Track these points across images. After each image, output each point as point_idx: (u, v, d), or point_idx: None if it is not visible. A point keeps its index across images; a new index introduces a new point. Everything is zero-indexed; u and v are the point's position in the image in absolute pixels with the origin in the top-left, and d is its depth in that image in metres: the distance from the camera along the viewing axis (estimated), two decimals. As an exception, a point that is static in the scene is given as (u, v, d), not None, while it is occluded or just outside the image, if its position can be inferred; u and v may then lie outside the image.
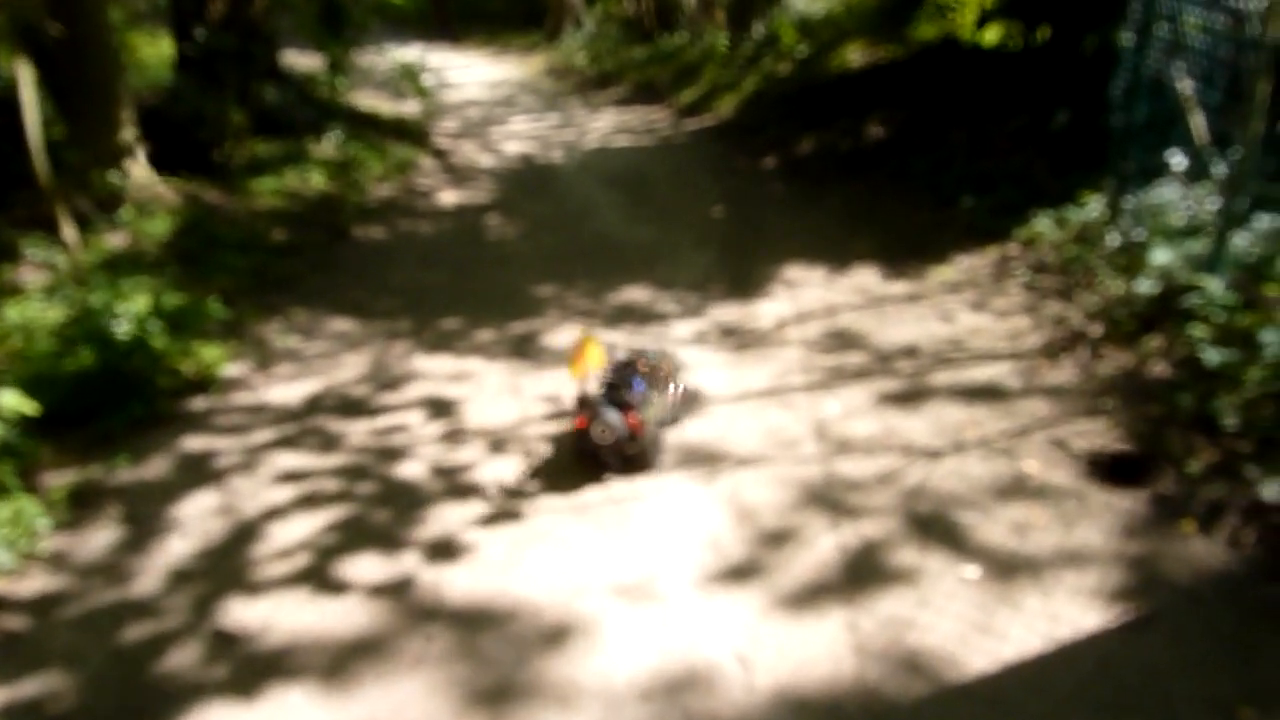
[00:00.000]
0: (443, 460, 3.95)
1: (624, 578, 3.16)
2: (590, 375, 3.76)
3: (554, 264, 6.53)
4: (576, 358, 3.71)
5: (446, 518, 3.53)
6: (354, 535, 3.45)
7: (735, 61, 12.42)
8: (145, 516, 3.60)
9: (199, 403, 4.49)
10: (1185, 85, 5.77)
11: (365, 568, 3.26)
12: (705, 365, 4.80)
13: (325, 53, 10.37)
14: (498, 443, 4.08)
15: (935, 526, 3.33)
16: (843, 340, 5.04)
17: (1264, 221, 4.66)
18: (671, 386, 4.00)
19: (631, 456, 3.70)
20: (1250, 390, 3.67)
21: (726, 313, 5.53)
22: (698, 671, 2.73)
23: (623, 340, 5.16)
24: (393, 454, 4.00)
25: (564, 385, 4.57)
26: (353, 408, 4.46)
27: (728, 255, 6.44)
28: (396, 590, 3.15)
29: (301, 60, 11.64)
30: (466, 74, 17.41)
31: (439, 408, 4.44)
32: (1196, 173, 5.78)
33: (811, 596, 3.03)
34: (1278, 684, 2.57)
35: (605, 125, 12.05)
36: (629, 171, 9.36)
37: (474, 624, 2.97)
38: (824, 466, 3.77)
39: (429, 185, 8.99)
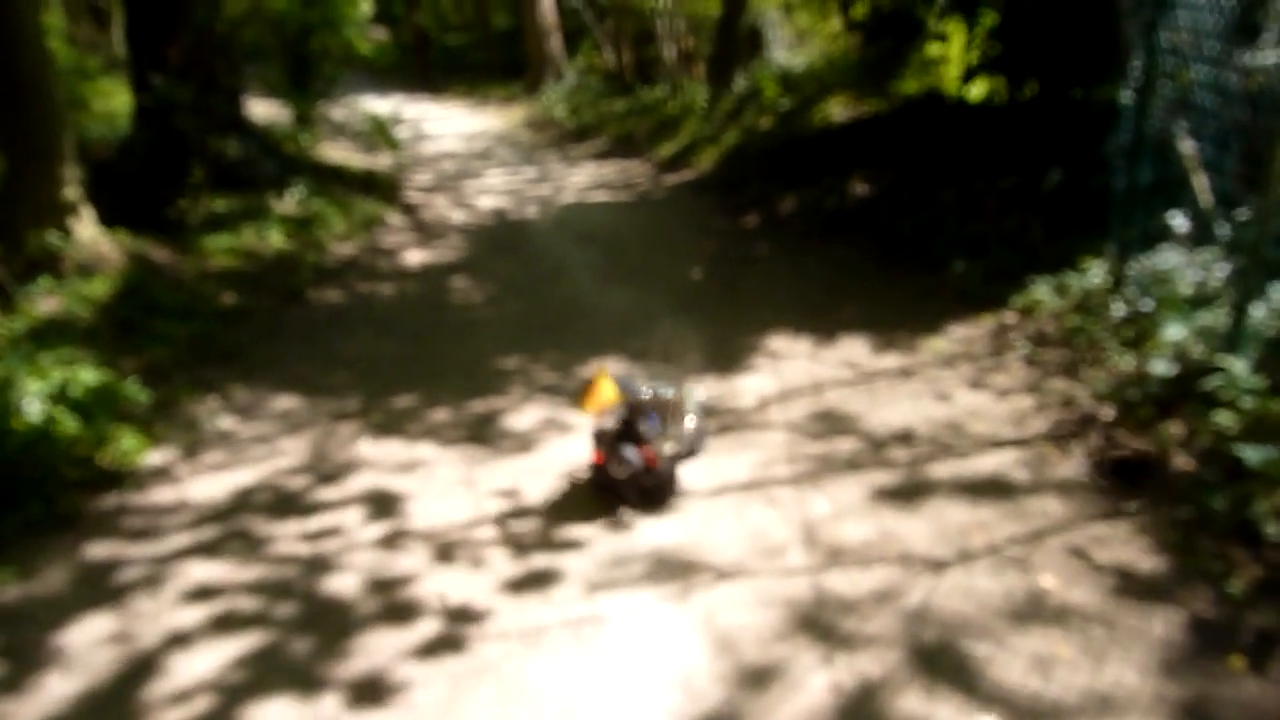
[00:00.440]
0: (379, 571, 3.46)
1: (580, 730, 2.68)
2: (605, 411, 3.83)
3: (521, 333, 6.10)
4: (591, 394, 3.78)
5: (377, 647, 3.04)
6: (267, 671, 2.95)
7: (716, 115, 12.16)
8: (25, 647, 3.08)
9: (110, 500, 3.99)
10: (1188, 145, 5.48)
11: (276, 716, 2.76)
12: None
13: (291, 106, 10.03)
14: (444, 549, 3.60)
15: (943, 661, 2.87)
16: (831, 423, 4.61)
17: (1284, 293, 4.29)
18: (686, 420, 3.97)
19: (649, 490, 3.79)
20: (1294, 495, 3.27)
21: (705, 389, 5.09)
22: None
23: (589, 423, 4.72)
24: (323, 564, 3.51)
25: (522, 479, 4.12)
26: (285, 505, 3.97)
27: (707, 323, 6.03)
28: (310, 746, 2.65)
29: (268, 110, 11.28)
30: (444, 125, 17.14)
31: (381, 504, 3.96)
32: (1200, 237, 5.47)
33: (802, 757, 2.55)
34: None
35: (583, 179, 11.73)
36: (605, 229, 8.99)
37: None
38: (814, 580, 3.31)
39: (395, 243, 8.58)
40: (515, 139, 15.57)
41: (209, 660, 2.99)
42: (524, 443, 4.52)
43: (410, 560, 3.52)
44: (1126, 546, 3.40)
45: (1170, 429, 4.08)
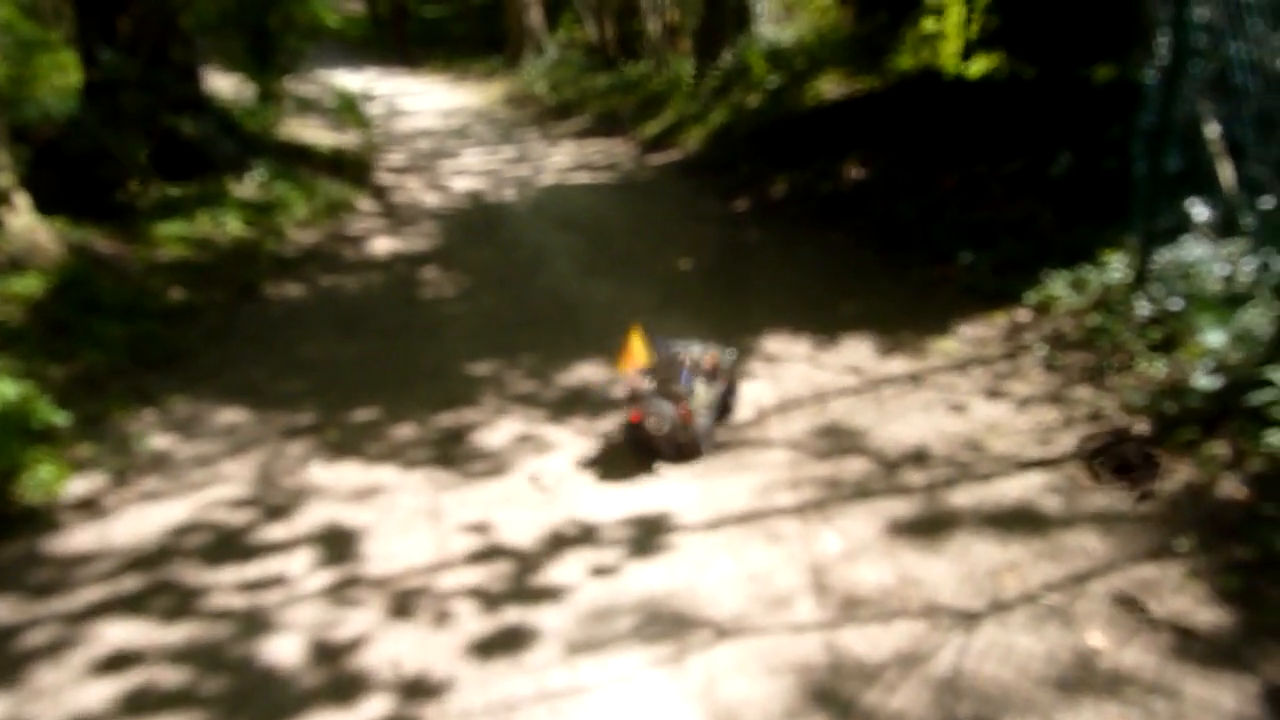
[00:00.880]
0: (326, 631, 3.00)
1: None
2: (638, 369, 3.95)
3: (496, 331, 5.62)
4: (625, 353, 3.92)
5: (319, 732, 2.59)
6: (187, 764, 2.49)
7: (702, 92, 11.63)
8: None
9: (17, 547, 3.49)
10: (1213, 129, 5.05)
11: (193, 826, 2.31)
12: (669, 474, 3.91)
13: (254, 82, 9.43)
14: (402, 600, 3.14)
15: (984, 747, 2.45)
16: (837, 439, 4.17)
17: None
18: (718, 377, 4.11)
19: (684, 445, 3.91)
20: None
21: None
22: None
23: (569, 438, 4.27)
24: (262, 622, 3.04)
25: (494, 509, 3.67)
26: (222, 547, 3.49)
27: (698, 321, 5.55)
28: None
29: (231, 86, 10.64)
30: (420, 101, 16.50)
31: (334, 543, 3.49)
32: (1225, 228, 5.07)
33: None
34: None
35: (564, 159, 11.19)
36: (587, 213, 8.48)
37: None
38: (827, 639, 2.88)
39: (363, 229, 8.05)
40: (494, 116, 14.98)
41: (118, 751, 2.53)
42: (496, 464, 4.06)
43: (362, 617, 3.05)
44: (1181, 595, 2.98)
45: (1214, 449, 3.67)
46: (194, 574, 3.30)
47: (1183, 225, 5.07)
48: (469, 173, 10.64)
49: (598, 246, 7.39)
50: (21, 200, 6.21)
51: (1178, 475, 3.61)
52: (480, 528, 3.56)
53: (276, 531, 3.56)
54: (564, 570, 3.28)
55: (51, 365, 4.70)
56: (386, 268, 6.99)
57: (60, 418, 3.92)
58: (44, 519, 3.63)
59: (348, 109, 10.74)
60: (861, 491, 3.72)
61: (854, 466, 3.92)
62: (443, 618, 3.04)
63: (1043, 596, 3.02)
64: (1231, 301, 4.55)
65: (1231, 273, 4.74)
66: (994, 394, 4.51)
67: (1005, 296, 5.50)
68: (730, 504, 3.68)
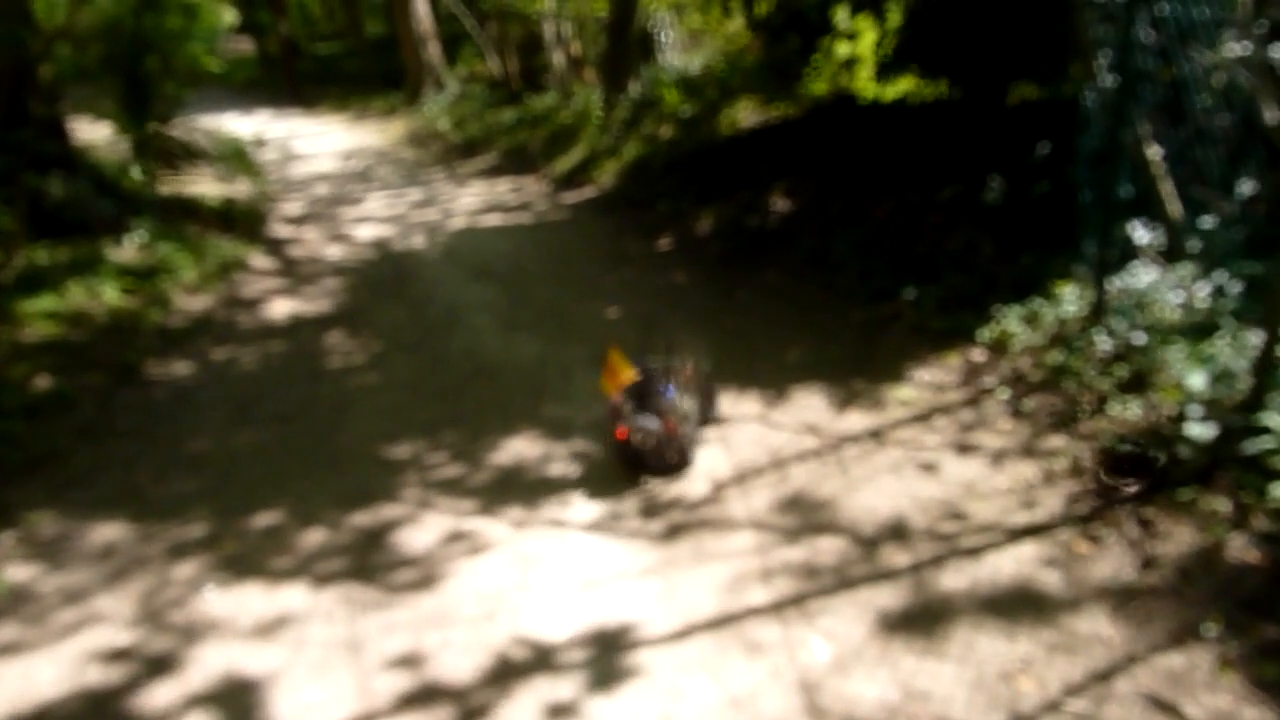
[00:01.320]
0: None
1: None
2: (622, 388, 3.97)
3: (412, 404, 5.07)
4: (610, 374, 3.99)
5: None
6: None
7: (613, 124, 11.26)
8: None
9: None
10: (1155, 151, 4.89)
11: None
12: (624, 570, 3.44)
13: (128, 135, 8.67)
14: (320, 774, 2.59)
15: None
16: (804, 513, 3.77)
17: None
18: (696, 386, 4.21)
19: (671, 457, 4.02)
20: None
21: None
22: None
23: (506, 533, 3.77)
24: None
25: (425, 634, 3.14)
26: None
27: (634, 379, 5.11)
28: None
29: (108, 138, 9.80)
30: (318, 143, 15.75)
31: (233, 701, 2.91)
32: (1170, 251, 4.91)
33: None
34: None
35: (473, 200, 10.66)
36: (503, 260, 7.98)
37: None
38: (834, 784, 2.45)
39: (258, 291, 7.38)
40: (396, 156, 14.34)
41: None
42: (425, 574, 3.53)
43: (271, 801, 2.50)
44: (1216, 690, 2.65)
45: (1214, 504, 3.38)
46: (56, 760, 2.68)
47: (1129, 252, 4.89)
48: (373, 219, 10.02)
49: (517, 298, 6.89)
50: None
51: (1179, 537, 3.30)
52: (410, 660, 3.03)
53: (163, 692, 2.95)
54: (515, 712, 2.77)
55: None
56: (287, 334, 6.36)
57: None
58: None
59: (236, 157, 9.99)
60: (842, 580, 3.31)
61: (829, 547, 3.52)
62: (371, 795, 2.50)
63: (1066, 703, 2.65)
64: (1194, 332, 4.35)
65: (1186, 299, 4.55)
66: (963, 448, 4.18)
67: (956, 334, 5.22)
68: (698, 606, 3.22)
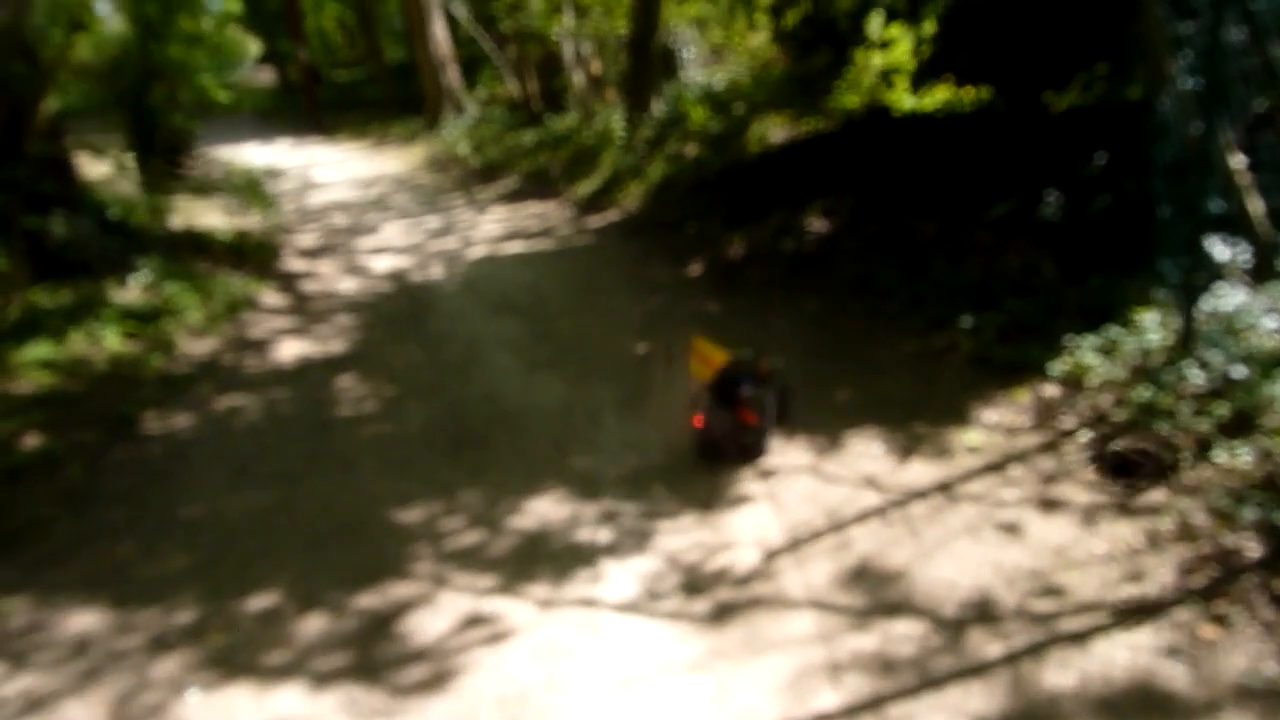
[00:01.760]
0: None
1: None
2: (716, 371, 4.19)
3: (427, 459, 4.63)
4: (699, 361, 4.32)
5: None
6: None
7: (636, 143, 10.84)
8: None
9: None
10: (1238, 161, 4.39)
11: None
12: (667, 663, 2.96)
13: (135, 169, 8.36)
14: None
15: None
16: (873, 589, 3.27)
17: None
18: (772, 382, 4.26)
19: (746, 445, 4.19)
20: None
21: (683, 538, 3.71)
22: None
23: (531, 616, 3.30)
24: None
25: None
26: None
27: (669, 424, 4.64)
28: None
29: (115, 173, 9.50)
30: (336, 171, 15.46)
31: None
32: (1258, 271, 4.41)
33: None
34: None
35: (494, 228, 10.27)
36: (524, 290, 7.55)
37: None
38: None
39: (267, 331, 6.99)
40: (415, 182, 14.01)
41: None
42: (437, 670, 3.07)
43: None
44: None
45: (1363, 578, 2.85)
46: None
47: (1214, 272, 4.38)
48: (390, 249, 9.65)
49: (540, 333, 6.45)
50: None
51: (1326, 619, 2.77)
52: (420, 789, 2.57)
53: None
54: None
55: None
56: (295, 379, 5.95)
57: None
58: None
59: (249, 189, 9.66)
60: (925, 678, 2.81)
61: (905, 633, 3.02)
62: None
63: None
64: (1297, 361, 3.84)
65: (1281, 324, 4.05)
66: (1047, 504, 3.67)
67: (1023, 368, 4.72)
68: (757, 713, 2.73)
